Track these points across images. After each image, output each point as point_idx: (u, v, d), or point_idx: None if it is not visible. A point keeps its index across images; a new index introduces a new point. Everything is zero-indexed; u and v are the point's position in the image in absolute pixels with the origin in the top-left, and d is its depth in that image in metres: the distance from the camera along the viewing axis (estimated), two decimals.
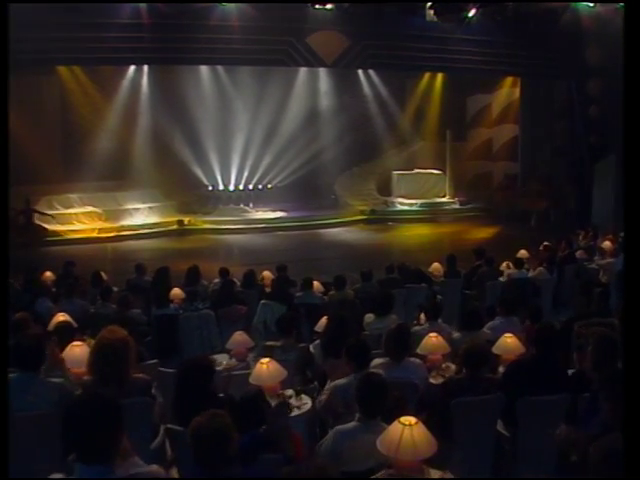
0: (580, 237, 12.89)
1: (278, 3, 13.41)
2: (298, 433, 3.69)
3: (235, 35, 13.83)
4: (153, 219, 18.10)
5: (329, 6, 13.43)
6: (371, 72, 20.21)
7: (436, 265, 10.90)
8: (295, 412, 4.55)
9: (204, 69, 18.81)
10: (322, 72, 19.92)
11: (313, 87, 20.28)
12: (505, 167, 19.84)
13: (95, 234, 16.50)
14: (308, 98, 20.13)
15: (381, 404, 3.53)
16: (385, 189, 21.21)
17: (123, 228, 17.08)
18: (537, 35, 15.29)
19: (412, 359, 4.87)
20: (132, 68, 17.98)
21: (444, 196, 20.86)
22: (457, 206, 20.24)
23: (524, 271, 10.19)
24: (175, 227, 17.66)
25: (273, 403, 4.67)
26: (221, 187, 20.04)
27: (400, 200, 20.62)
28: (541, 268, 10.19)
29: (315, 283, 9.69)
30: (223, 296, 8.90)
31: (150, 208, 18.41)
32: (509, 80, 19.18)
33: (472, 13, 14.22)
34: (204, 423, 2.85)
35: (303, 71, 19.67)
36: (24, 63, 14.43)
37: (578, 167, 16.94)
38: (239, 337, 6.36)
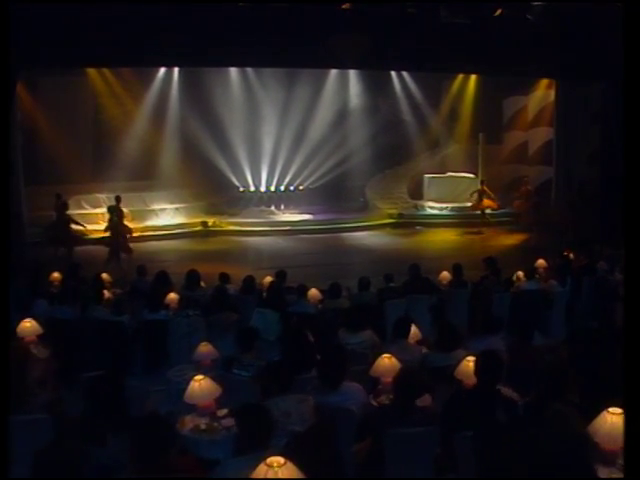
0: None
1: (297, 4, 13.19)
2: (192, 456, 3.48)
3: (255, 36, 13.65)
4: (179, 220, 18.15)
5: (344, 6, 13.14)
6: (404, 73, 19.84)
7: (444, 274, 10.46)
8: (223, 434, 4.33)
9: (233, 72, 18.80)
10: (353, 74, 19.66)
11: (344, 89, 20.05)
12: (541, 171, 19.09)
13: None
14: (339, 100, 19.92)
15: (260, 436, 3.27)
16: (416, 192, 20.75)
17: (147, 229, 17.11)
18: (570, 35, 14.62)
19: (350, 383, 4.51)
20: (162, 71, 18.13)
21: None
22: (489, 211, 19.57)
23: (535, 282, 9.69)
24: (199, 228, 17.63)
25: (200, 423, 4.49)
26: (252, 188, 19.99)
27: (430, 204, 20.13)
28: (552, 279, 9.69)
29: (312, 291, 9.46)
30: (214, 302, 8.75)
31: (177, 209, 18.47)
32: (544, 81, 18.44)
33: (498, 12, 13.71)
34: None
35: (334, 73, 19.45)
36: (54, 64, 14.73)
37: (613, 172, 16.16)
38: (204, 348, 6.17)
